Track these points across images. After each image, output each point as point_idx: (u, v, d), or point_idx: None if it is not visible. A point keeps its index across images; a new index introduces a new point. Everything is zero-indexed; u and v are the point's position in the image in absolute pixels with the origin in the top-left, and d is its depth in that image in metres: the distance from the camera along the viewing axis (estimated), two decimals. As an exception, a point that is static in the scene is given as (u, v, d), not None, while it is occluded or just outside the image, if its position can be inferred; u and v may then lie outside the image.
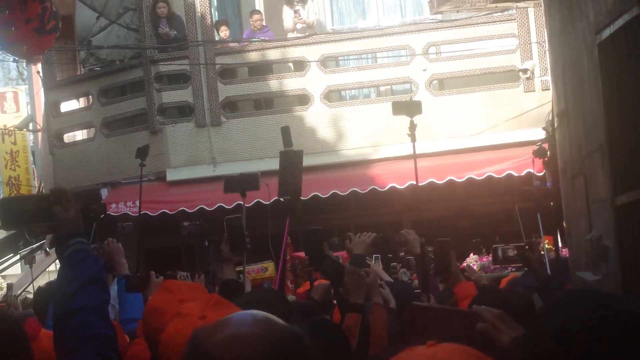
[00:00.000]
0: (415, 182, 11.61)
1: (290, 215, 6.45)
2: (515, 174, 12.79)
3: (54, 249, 18.84)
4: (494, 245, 5.83)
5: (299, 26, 14.99)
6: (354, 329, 4.34)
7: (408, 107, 8.67)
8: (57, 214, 2.88)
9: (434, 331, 2.27)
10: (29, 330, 4.94)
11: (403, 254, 9.13)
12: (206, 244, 9.29)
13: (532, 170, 11.64)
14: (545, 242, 9.45)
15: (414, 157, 8.46)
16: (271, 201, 11.00)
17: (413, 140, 8.47)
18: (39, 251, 20.66)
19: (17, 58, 11.69)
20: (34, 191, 22.80)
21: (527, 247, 5.51)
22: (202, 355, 1.84)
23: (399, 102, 9.11)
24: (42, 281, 17.72)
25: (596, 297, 1.95)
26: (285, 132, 8.88)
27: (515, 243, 5.74)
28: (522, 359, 2.00)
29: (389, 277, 6.71)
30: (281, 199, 8.90)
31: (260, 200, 11.73)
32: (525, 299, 4.25)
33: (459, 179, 13.15)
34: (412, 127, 8.46)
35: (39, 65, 16.89)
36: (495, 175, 13.10)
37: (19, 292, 17.51)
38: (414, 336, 2.35)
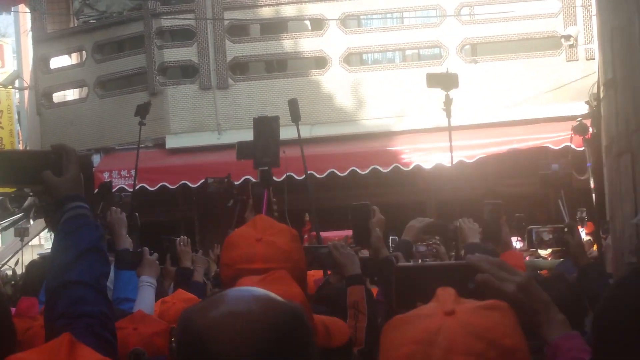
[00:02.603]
0: (444, 162, 11.59)
1: (267, 188, 6.41)
2: (554, 147, 12.71)
3: (38, 220, 18.90)
4: (529, 227, 5.78)
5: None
6: (361, 304, 4.31)
7: (444, 80, 8.69)
8: (47, 179, 2.79)
9: (427, 287, 2.28)
10: (25, 311, 4.96)
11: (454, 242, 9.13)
12: (230, 204, 8.99)
13: (570, 145, 11.64)
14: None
15: (449, 130, 8.49)
16: (283, 177, 10.92)
17: (449, 115, 8.53)
18: (21, 222, 20.67)
19: None
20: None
21: (566, 229, 5.46)
22: (193, 337, 1.77)
23: (434, 73, 9.13)
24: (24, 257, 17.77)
25: None
26: (293, 104, 8.84)
27: (552, 225, 5.69)
28: (593, 328, 2.10)
29: None
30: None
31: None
32: (573, 290, 4.27)
33: (489, 156, 13.11)
34: (448, 101, 8.52)
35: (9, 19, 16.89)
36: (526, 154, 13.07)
37: (-1, 266, 17.56)
38: (401, 298, 2.36)
